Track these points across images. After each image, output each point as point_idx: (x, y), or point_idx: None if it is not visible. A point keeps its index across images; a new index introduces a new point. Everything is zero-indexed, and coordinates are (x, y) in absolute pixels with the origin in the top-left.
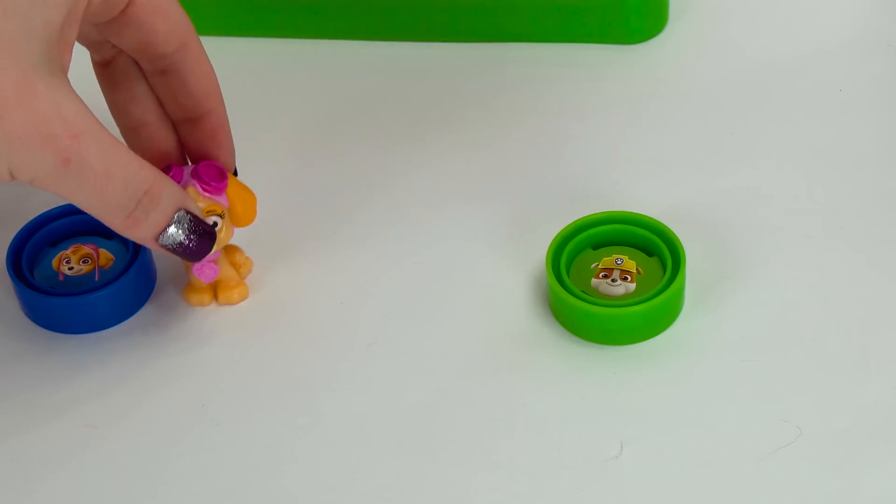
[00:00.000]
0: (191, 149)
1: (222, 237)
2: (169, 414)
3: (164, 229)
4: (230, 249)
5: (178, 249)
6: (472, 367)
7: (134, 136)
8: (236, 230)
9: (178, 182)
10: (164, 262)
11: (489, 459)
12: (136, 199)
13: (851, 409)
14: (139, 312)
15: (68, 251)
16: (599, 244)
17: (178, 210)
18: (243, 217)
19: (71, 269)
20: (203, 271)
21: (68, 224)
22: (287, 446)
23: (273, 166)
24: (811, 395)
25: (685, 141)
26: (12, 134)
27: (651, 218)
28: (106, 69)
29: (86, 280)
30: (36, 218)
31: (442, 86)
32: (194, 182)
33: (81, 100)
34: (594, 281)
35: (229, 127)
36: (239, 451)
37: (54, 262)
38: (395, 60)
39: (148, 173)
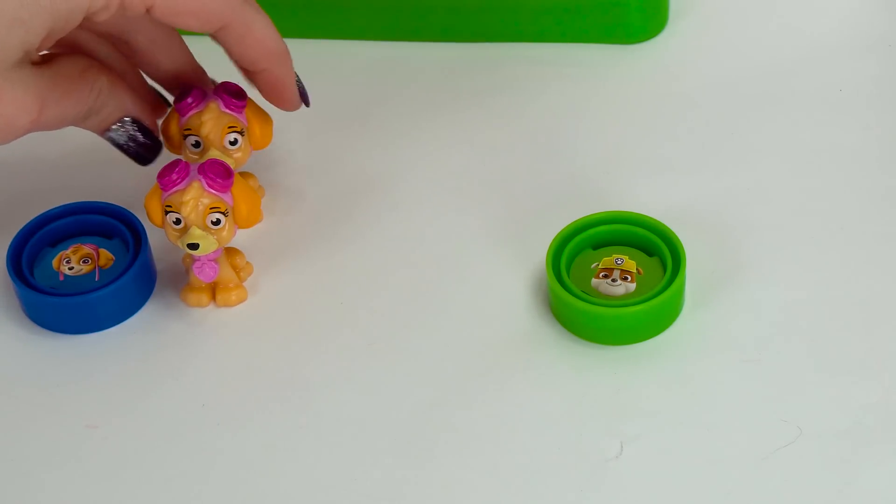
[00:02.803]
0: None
1: (224, 236)
2: (169, 414)
3: (108, 129)
4: (231, 252)
5: (123, 150)
6: (472, 367)
7: (171, 83)
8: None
9: (184, 176)
10: (164, 263)
11: (489, 459)
12: (82, 116)
13: (851, 409)
14: (139, 312)
15: (68, 251)
16: (599, 244)
17: (125, 116)
18: (248, 217)
19: (71, 269)
20: (203, 270)
21: (68, 224)
22: (287, 446)
23: (273, 166)
24: (811, 395)
25: (685, 141)
26: None
27: (651, 218)
28: (131, 35)
29: (86, 280)
30: (36, 218)
31: (442, 86)
32: (200, 177)
33: (38, 73)
34: (594, 281)
35: (290, 81)
36: (239, 451)
37: (54, 262)
38: (395, 60)
39: (96, 92)
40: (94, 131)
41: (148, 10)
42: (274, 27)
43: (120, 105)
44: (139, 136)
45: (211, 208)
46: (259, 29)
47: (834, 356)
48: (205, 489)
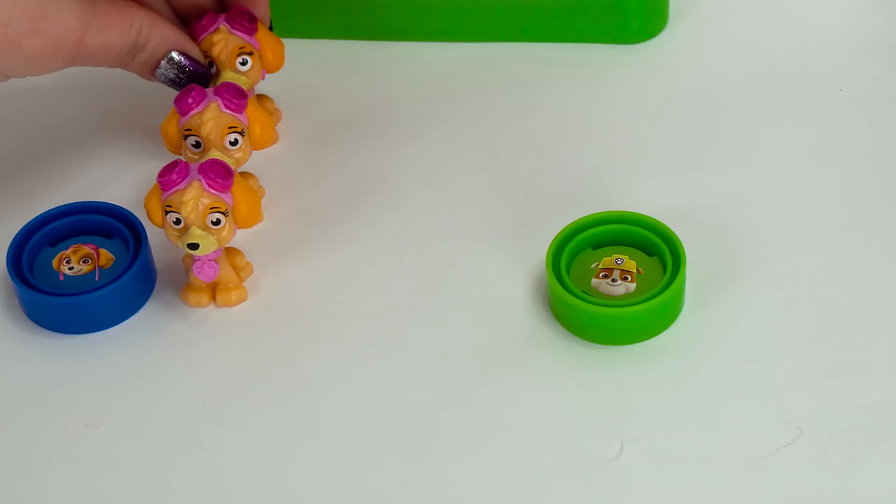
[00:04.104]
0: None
1: (225, 236)
2: (169, 414)
3: (155, 67)
4: (231, 252)
5: (174, 85)
6: (472, 367)
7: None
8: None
9: (184, 176)
10: (164, 263)
11: (489, 459)
12: (128, 50)
13: (851, 409)
14: (139, 312)
15: (68, 251)
16: (599, 244)
17: (170, 50)
18: (248, 217)
19: (71, 269)
20: (203, 270)
21: (68, 224)
22: (287, 446)
23: (272, 166)
24: (811, 395)
25: (685, 141)
26: (28, 56)
27: (651, 218)
28: None
29: (86, 280)
30: (36, 218)
31: (442, 86)
32: (200, 177)
33: (79, 1)
34: (594, 281)
35: None
36: (239, 450)
37: (54, 262)
38: (395, 60)
39: (137, 27)
40: (143, 73)
41: None
42: None
43: (164, 39)
44: (189, 66)
45: (211, 208)
46: None
47: (834, 356)
48: (205, 489)
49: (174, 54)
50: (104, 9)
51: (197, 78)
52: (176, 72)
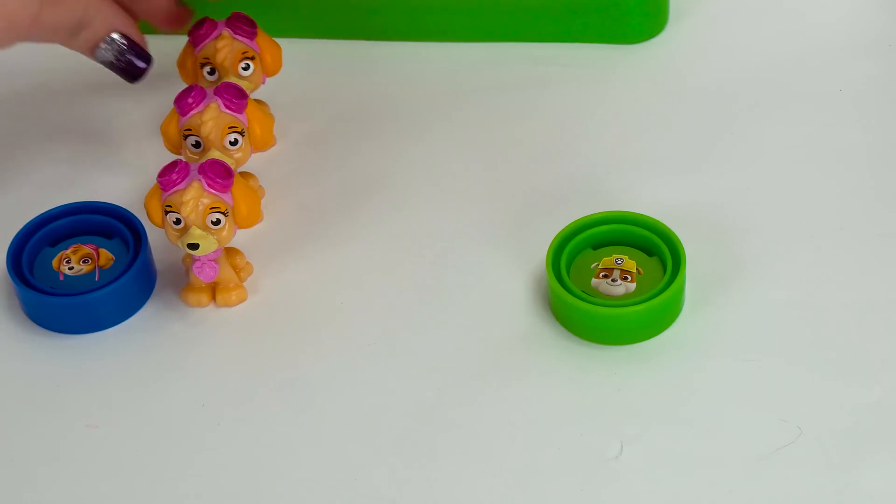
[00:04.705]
0: None
1: (224, 236)
2: (169, 414)
3: (96, 47)
4: (231, 252)
5: (112, 67)
6: (472, 367)
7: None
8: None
9: (184, 176)
10: (164, 263)
11: (489, 459)
12: (72, 27)
13: (851, 409)
14: (139, 312)
15: (68, 251)
16: (599, 244)
17: (112, 32)
18: (248, 217)
19: (71, 269)
20: (203, 270)
21: (68, 224)
22: (287, 446)
23: (272, 166)
24: (811, 395)
25: (685, 141)
26: None
27: (651, 218)
28: None
29: (86, 280)
30: (36, 218)
31: (442, 86)
32: (200, 177)
33: None
34: (594, 281)
35: None
36: (239, 450)
37: (54, 262)
38: (395, 60)
39: (82, 5)
40: (83, 51)
41: None
42: None
43: (107, 20)
44: (128, 48)
45: (211, 208)
46: None
47: (834, 356)
48: (205, 489)
49: (115, 35)
50: None
51: (134, 65)
52: (115, 54)
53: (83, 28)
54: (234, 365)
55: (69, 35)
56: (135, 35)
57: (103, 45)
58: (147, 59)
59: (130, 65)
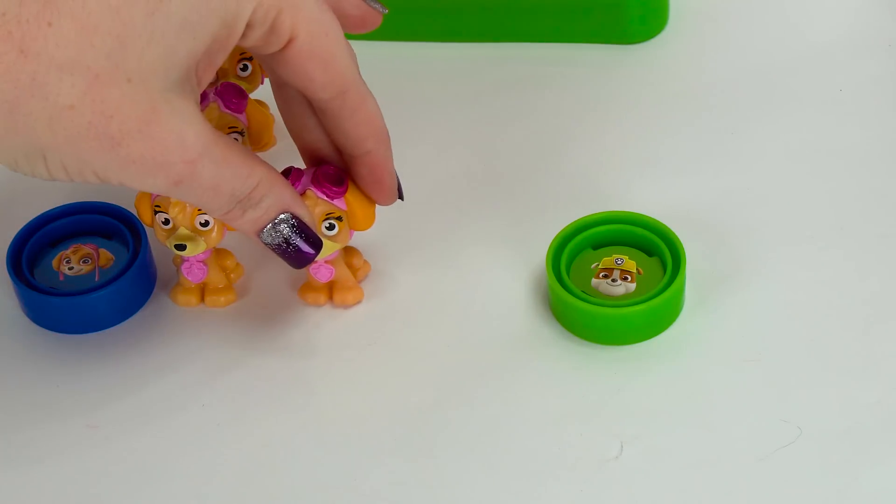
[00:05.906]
0: (354, 179)
1: (213, 238)
2: (169, 414)
3: (263, 228)
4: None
5: (278, 251)
6: (472, 367)
7: (308, 156)
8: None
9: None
10: (164, 263)
11: (489, 459)
12: (238, 200)
13: (851, 409)
14: (139, 312)
15: (68, 251)
16: (599, 244)
17: (282, 213)
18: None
19: (71, 269)
20: (192, 271)
21: (68, 224)
22: (287, 446)
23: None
24: (811, 395)
25: (685, 141)
26: (128, 158)
27: (651, 218)
28: (280, 91)
29: (86, 280)
30: (36, 218)
31: (442, 86)
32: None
33: (203, 118)
34: (594, 281)
35: (391, 167)
36: (239, 451)
37: (54, 262)
38: (395, 60)
39: (256, 179)
40: (246, 231)
41: (288, 43)
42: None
43: (281, 199)
44: (296, 237)
45: (199, 210)
46: (371, 104)
47: (834, 356)
48: (205, 489)
49: (284, 217)
50: (227, 143)
51: (303, 250)
52: (283, 238)
53: (251, 205)
54: (234, 365)
55: (228, 209)
56: (306, 217)
57: (267, 228)
58: (318, 245)
59: (298, 251)
